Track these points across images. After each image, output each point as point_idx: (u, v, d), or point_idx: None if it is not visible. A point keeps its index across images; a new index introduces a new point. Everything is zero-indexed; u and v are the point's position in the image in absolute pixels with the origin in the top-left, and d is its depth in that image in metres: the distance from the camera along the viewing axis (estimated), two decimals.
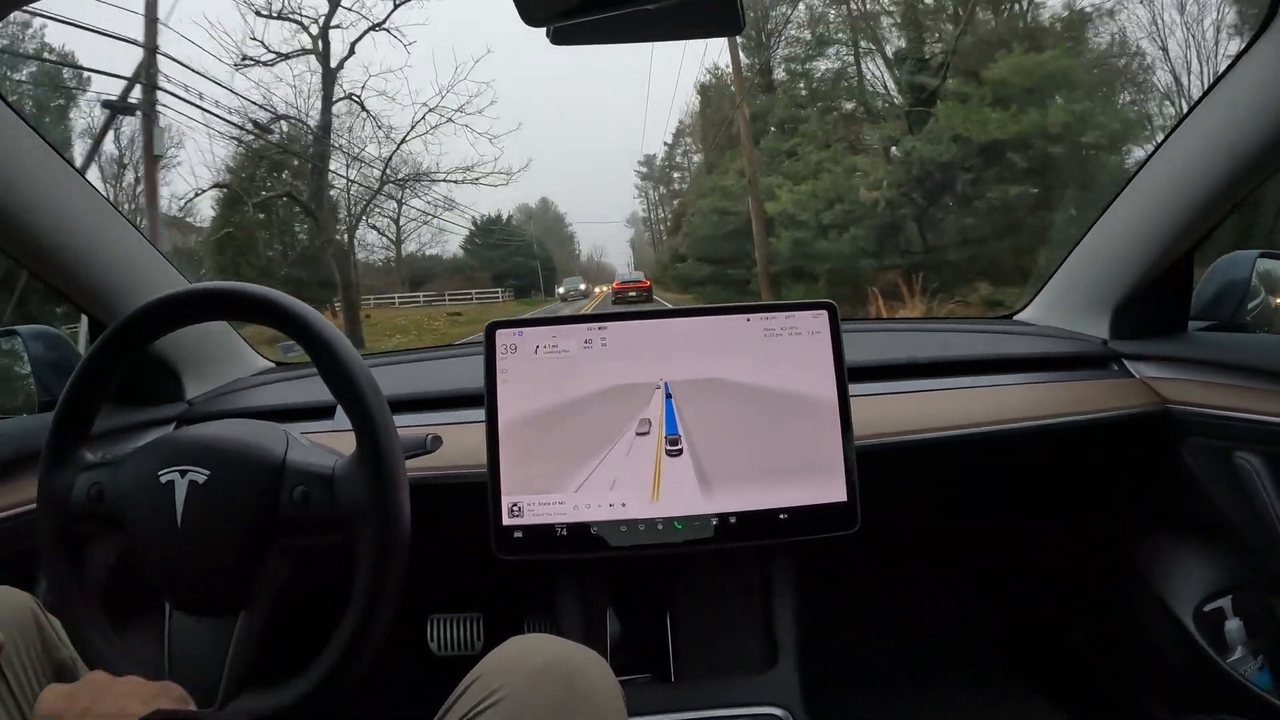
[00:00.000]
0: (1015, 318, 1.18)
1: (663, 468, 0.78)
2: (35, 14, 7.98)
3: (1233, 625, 0.85)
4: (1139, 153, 7.39)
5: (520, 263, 21.22)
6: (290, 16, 10.07)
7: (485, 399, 0.79)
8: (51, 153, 0.78)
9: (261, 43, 10.09)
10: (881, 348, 1.02)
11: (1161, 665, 0.92)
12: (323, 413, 0.91)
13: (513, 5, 0.47)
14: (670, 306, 1.17)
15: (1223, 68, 0.78)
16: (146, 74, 7.79)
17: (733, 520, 0.78)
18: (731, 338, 0.81)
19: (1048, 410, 0.89)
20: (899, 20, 10.22)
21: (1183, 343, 0.93)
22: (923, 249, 9.00)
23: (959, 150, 8.41)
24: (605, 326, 0.81)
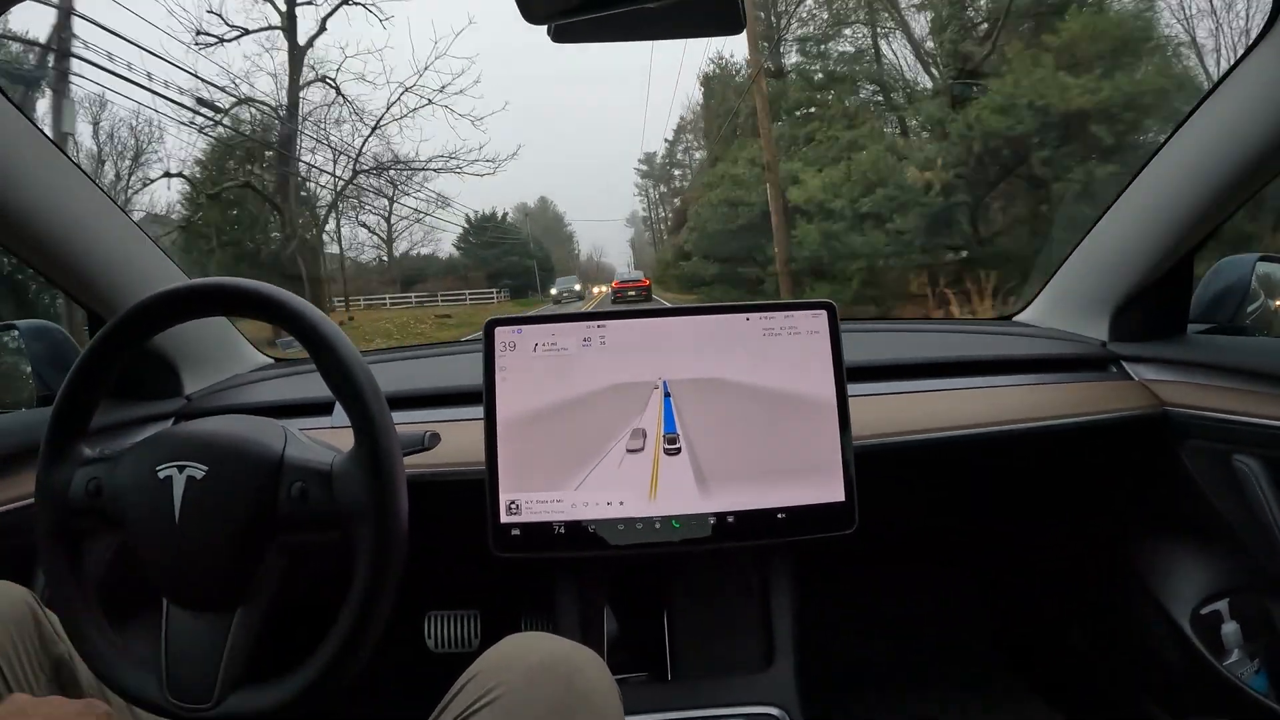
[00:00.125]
0: (1014, 319, 1.18)
1: (661, 467, 0.78)
2: None
3: (1230, 628, 0.85)
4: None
5: (516, 262, 20.68)
6: None
7: (484, 396, 0.79)
8: (52, 148, 0.78)
9: (220, 16, 9.30)
10: (881, 348, 1.02)
11: (1159, 667, 0.92)
12: (321, 409, 0.91)
13: (514, 3, 0.47)
14: (668, 305, 1.17)
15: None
16: (58, 39, 6.72)
17: (730, 520, 0.78)
18: (730, 337, 0.81)
19: (1046, 412, 0.89)
20: None
21: (1182, 345, 0.93)
22: (985, 240, 7.67)
23: (1034, 121, 6.86)
24: (604, 325, 0.81)
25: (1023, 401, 0.91)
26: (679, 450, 0.79)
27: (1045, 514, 1.11)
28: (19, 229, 0.76)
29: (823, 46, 10.45)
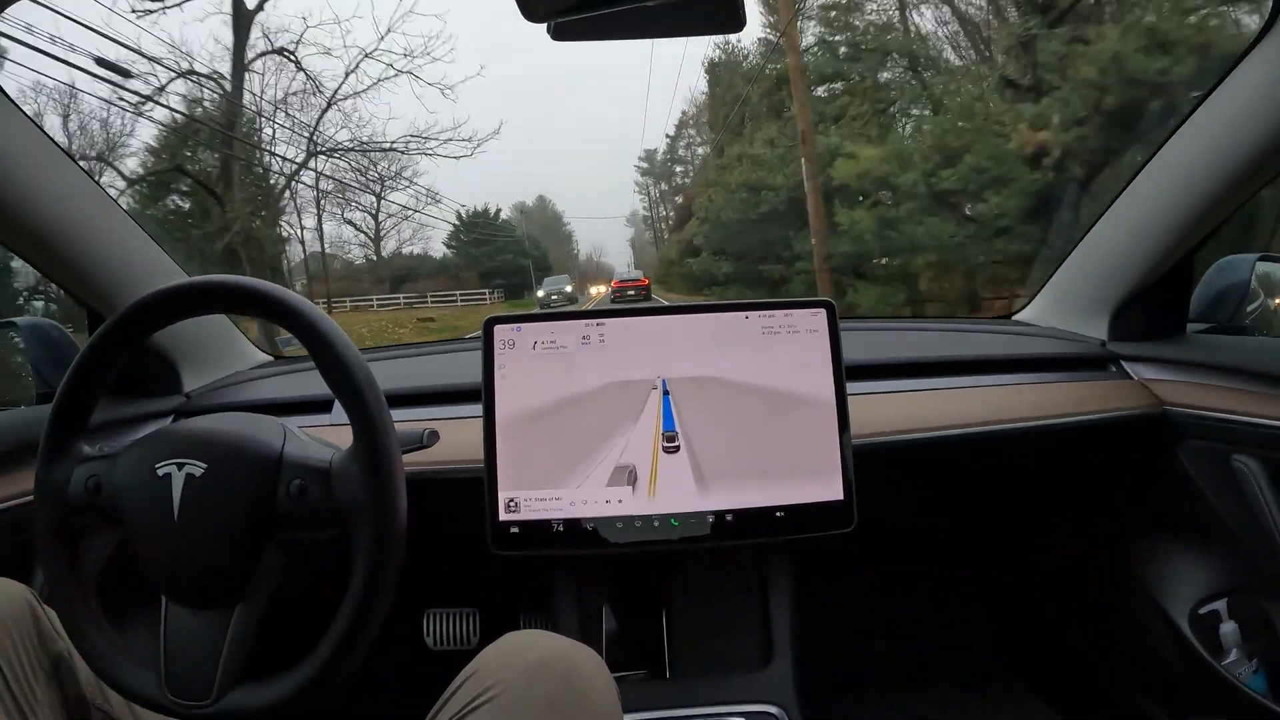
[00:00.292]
0: (1014, 318, 1.18)
1: (660, 465, 0.78)
2: None
3: (1228, 628, 0.85)
4: None
5: (510, 260, 19.89)
6: None
7: (483, 394, 0.79)
8: (51, 146, 0.78)
9: None
10: (880, 347, 1.02)
11: (1158, 667, 0.92)
12: (320, 407, 0.91)
13: (514, 1, 0.47)
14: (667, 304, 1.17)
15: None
16: None
17: (729, 518, 0.78)
18: (730, 335, 0.81)
19: (1045, 411, 0.89)
20: None
21: (1181, 345, 0.93)
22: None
23: (1194, 65, 4.70)
24: (604, 323, 0.81)
25: (1022, 401, 0.91)
26: (678, 448, 0.79)
27: (1044, 513, 1.11)
28: (18, 226, 0.76)
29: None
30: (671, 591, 0.94)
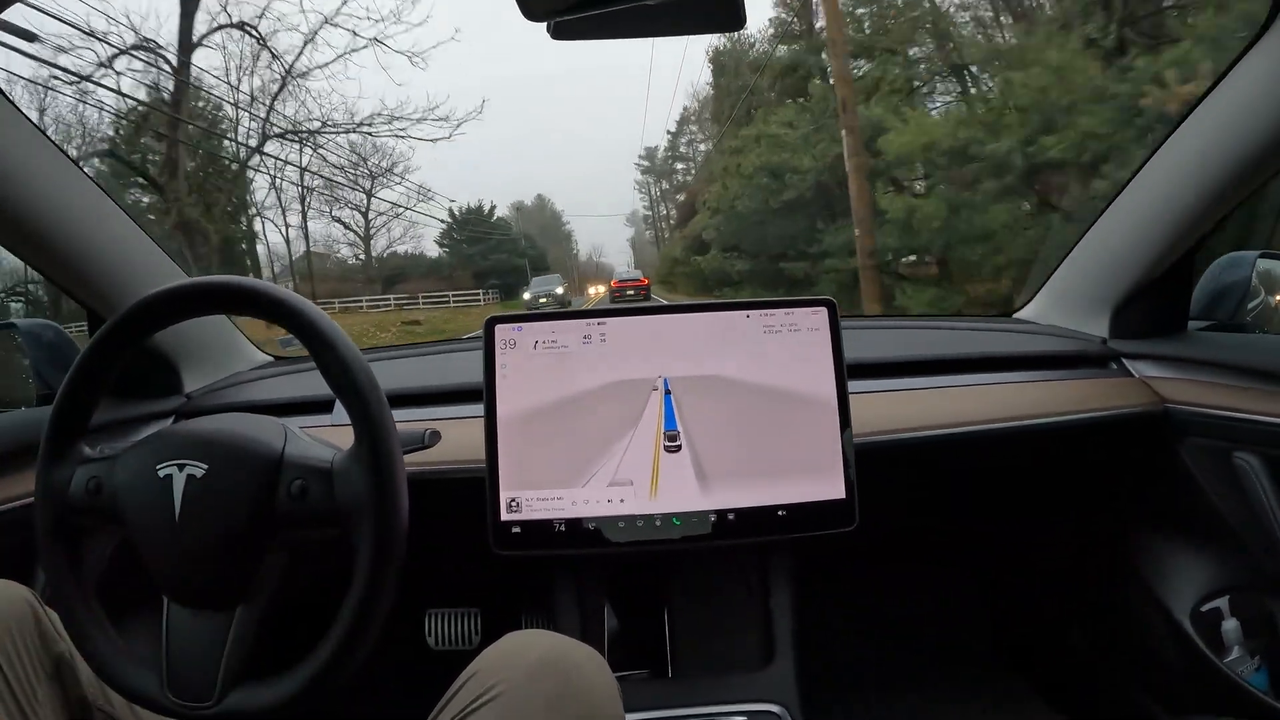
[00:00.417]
0: (1015, 316, 1.18)
1: (661, 464, 0.78)
2: None
3: (1230, 626, 0.85)
4: None
5: (505, 260, 19.04)
6: None
7: (484, 394, 0.79)
8: (50, 146, 0.78)
9: None
10: (881, 345, 1.02)
11: (1159, 665, 0.92)
12: (321, 407, 0.91)
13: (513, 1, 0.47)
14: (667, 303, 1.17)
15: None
16: None
17: (731, 517, 0.78)
18: (731, 334, 0.81)
19: (1046, 409, 0.89)
20: None
21: (1182, 342, 0.93)
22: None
23: None
24: (604, 322, 0.81)
25: (1023, 399, 0.91)
26: (679, 447, 0.78)
27: (1045, 512, 1.11)
28: (18, 226, 0.76)
29: None
30: (673, 591, 0.94)
